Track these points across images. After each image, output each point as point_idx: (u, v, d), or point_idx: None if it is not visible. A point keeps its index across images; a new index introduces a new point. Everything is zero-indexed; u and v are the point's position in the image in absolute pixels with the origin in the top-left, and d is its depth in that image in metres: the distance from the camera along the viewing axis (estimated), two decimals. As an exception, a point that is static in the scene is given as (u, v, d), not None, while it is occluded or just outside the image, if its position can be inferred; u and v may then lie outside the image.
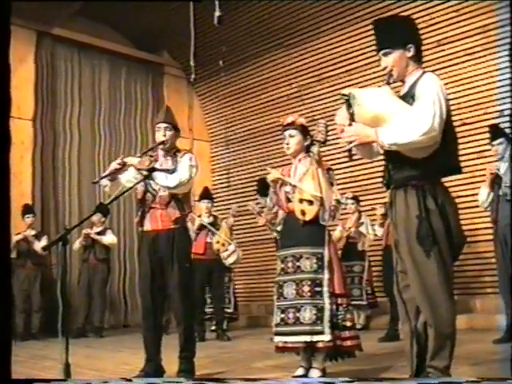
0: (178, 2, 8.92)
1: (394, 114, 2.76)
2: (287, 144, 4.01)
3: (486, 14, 7.30)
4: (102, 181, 4.15)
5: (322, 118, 4.71)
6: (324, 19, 8.86)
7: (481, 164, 7.00)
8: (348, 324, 3.74)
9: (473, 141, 7.24)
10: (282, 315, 3.80)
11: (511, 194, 5.30)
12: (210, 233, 7.07)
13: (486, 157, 6.98)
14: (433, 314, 2.74)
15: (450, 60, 7.63)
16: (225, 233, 7.09)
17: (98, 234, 8.08)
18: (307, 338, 3.67)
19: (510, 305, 5.45)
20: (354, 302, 5.52)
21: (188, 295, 4.11)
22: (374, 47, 3.05)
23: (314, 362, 3.80)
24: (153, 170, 3.93)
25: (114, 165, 4.07)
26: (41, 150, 8.91)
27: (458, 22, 7.59)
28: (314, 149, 3.87)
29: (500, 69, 7.17)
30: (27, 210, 7.98)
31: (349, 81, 8.55)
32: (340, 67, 8.93)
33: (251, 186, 9.22)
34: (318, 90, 9.27)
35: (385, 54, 2.89)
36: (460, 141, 3.04)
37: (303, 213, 3.82)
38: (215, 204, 9.83)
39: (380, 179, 3.14)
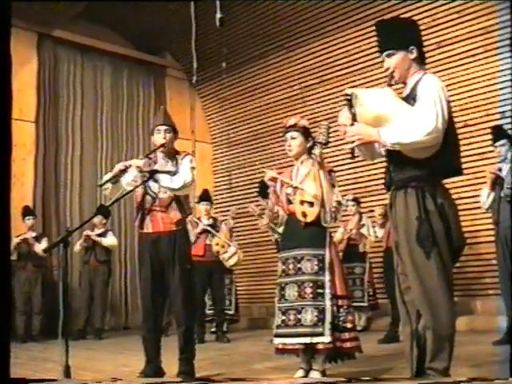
0: (180, 1, 8.93)
1: (397, 114, 2.76)
2: (289, 146, 4.01)
3: (487, 16, 7.30)
4: (101, 183, 4.15)
5: (324, 119, 4.73)
6: (326, 21, 8.86)
7: (482, 166, 6.98)
8: (348, 325, 3.73)
9: (474, 142, 7.24)
10: (283, 317, 3.79)
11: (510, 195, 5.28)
12: (209, 235, 7.07)
13: (487, 158, 6.98)
14: (432, 316, 2.73)
15: (452, 62, 7.62)
16: (224, 235, 7.09)
17: (99, 235, 8.08)
18: (307, 340, 3.66)
19: (510, 306, 5.44)
20: (354, 304, 5.52)
21: (189, 297, 4.11)
22: (375, 49, 3.05)
23: (314, 363, 3.80)
24: (155, 172, 3.93)
25: (119, 167, 4.07)
26: (43, 152, 8.92)
27: (459, 24, 7.58)
28: (316, 151, 3.87)
29: (501, 70, 7.16)
30: (27, 211, 7.98)
31: (351, 82, 8.53)
32: (342, 69, 8.92)
33: (253, 187, 9.22)
34: (320, 92, 9.27)
35: (388, 56, 2.89)
36: (462, 142, 3.03)
37: (304, 214, 3.82)
38: (217, 206, 9.87)
39: (381, 181, 3.14)
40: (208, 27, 8.80)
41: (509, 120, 6.82)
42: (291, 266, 3.83)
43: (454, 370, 2.81)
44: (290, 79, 9.67)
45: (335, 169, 4.43)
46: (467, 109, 7.42)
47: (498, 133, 5.79)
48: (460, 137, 2.97)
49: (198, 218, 7.14)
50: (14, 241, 7.50)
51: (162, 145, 4.14)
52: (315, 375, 3.74)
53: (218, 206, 10.24)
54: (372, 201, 8.03)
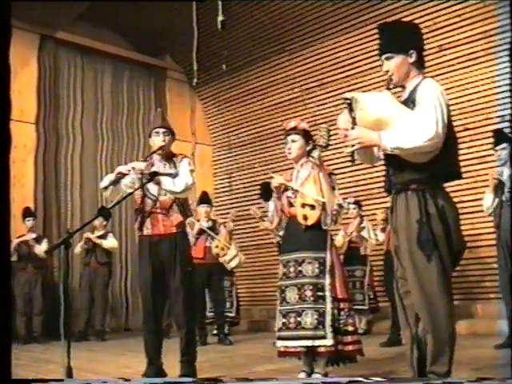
0: (181, 2, 8.94)
1: (397, 118, 2.77)
2: (289, 149, 4.01)
3: (487, 20, 7.32)
4: (103, 185, 4.15)
5: (325, 122, 4.74)
6: (326, 24, 8.87)
7: (482, 169, 7.01)
8: (350, 329, 3.74)
9: (474, 146, 7.25)
10: (284, 320, 3.80)
11: (511, 198, 5.29)
12: (209, 237, 7.06)
13: (487, 162, 6.99)
14: (431, 320, 2.73)
15: (452, 65, 7.64)
16: (224, 237, 7.08)
17: (100, 237, 8.08)
18: (309, 343, 3.67)
19: (511, 310, 5.44)
20: (355, 307, 5.51)
21: (190, 299, 4.12)
22: (376, 52, 3.07)
23: (315, 366, 3.81)
24: (155, 174, 3.93)
25: (122, 170, 4.07)
26: (43, 154, 8.93)
27: (460, 28, 7.60)
28: (315, 153, 3.88)
29: (501, 74, 7.17)
30: (28, 213, 7.97)
31: (351, 85, 8.56)
32: (342, 72, 8.94)
33: (253, 190, 9.24)
34: (321, 95, 9.28)
35: (387, 59, 2.90)
36: (461, 146, 3.05)
37: (305, 217, 3.82)
38: (217, 208, 9.87)
39: (382, 184, 3.15)
40: (209, 29, 8.82)
41: (508, 124, 6.83)
42: (292, 269, 3.84)
43: (455, 374, 2.81)
44: (291, 82, 9.68)
45: (336, 172, 4.44)
46: (467, 112, 7.43)
47: (500, 136, 5.78)
48: (460, 140, 2.99)
49: (198, 220, 7.14)
50: (14, 242, 7.50)
51: (161, 147, 4.15)
52: (317, 378, 3.75)
53: (219, 208, 10.24)
54: (372, 204, 8.04)
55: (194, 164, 4.67)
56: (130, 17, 9.77)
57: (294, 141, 3.98)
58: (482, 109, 7.44)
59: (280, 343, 3.82)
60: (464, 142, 6.88)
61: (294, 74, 9.60)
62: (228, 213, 8.09)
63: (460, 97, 7.46)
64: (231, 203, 10.38)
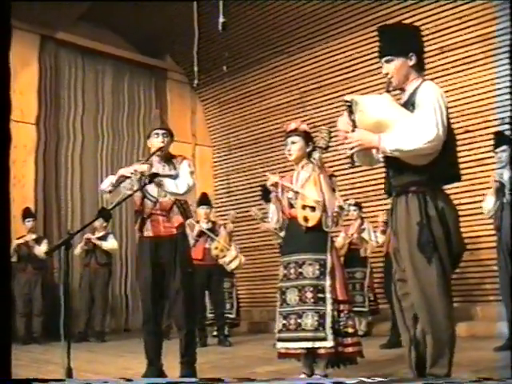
0: (182, 4, 8.94)
1: (396, 120, 2.78)
2: (289, 150, 4.01)
3: (487, 22, 7.32)
4: (104, 187, 4.14)
5: (323, 124, 4.73)
6: (326, 26, 8.88)
7: (481, 172, 7.01)
8: (350, 330, 3.74)
9: (473, 148, 7.25)
10: (284, 321, 3.80)
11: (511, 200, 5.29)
12: (208, 239, 7.06)
13: (486, 164, 6.99)
14: (431, 322, 2.74)
15: (452, 67, 7.64)
16: (223, 239, 7.08)
17: (100, 238, 8.09)
18: (309, 345, 3.67)
19: (511, 312, 5.44)
20: (355, 309, 5.52)
21: (190, 300, 4.12)
22: (374, 55, 3.07)
23: (316, 368, 3.81)
24: (155, 175, 3.93)
25: (124, 173, 4.06)
26: (44, 154, 8.93)
27: (460, 30, 7.61)
28: (316, 155, 3.88)
29: (501, 76, 7.18)
30: (27, 213, 7.97)
31: (349, 88, 8.54)
32: (341, 74, 8.94)
33: (253, 191, 9.24)
34: (319, 97, 9.28)
35: (387, 61, 2.91)
36: (461, 148, 3.06)
37: (306, 219, 3.83)
38: (217, 209, 9.87)
39: (382, 186, 3.15)
40: (210, 31, 8.81)
41: (507, 126, 6.83)
42: (292, 271, 3.84)
43: (455, 376, 2.82)
44: (290, 84, 9.69)
45: (336, 173, 4.44)
46: (466, 115, 7.43)
47: (500, 138, 5.78)
48: (460, 143, 3.00)
49: (197, 222, 7.14)
50: (14, 243, 7.50)
51: (160, 148, 4.15)
52: (318, 380, 3.75)
53: (219, 209, 10.25)
54: (373, 205, 8.04)
55: (194, 165, 4.67)
56: (131, 17, 9.77)
57: (293, 142, 3.98)
58: (482, 111, 7.44)
59: (280, 345, 3.82)
60: (464, 145, 6.89)
61: (293, 76, 9.60)
62: (228, 214, 8.09)
63: (460, 99, 7.46)
64: (231, 204, 10.38)
